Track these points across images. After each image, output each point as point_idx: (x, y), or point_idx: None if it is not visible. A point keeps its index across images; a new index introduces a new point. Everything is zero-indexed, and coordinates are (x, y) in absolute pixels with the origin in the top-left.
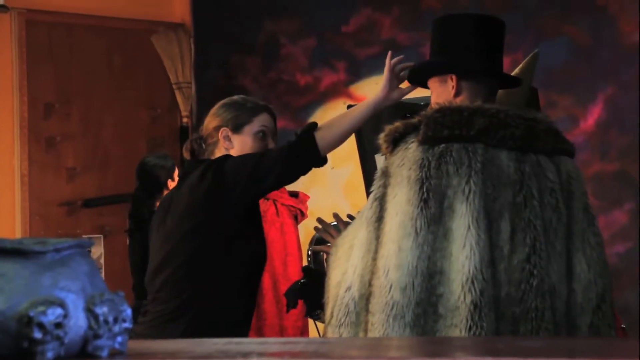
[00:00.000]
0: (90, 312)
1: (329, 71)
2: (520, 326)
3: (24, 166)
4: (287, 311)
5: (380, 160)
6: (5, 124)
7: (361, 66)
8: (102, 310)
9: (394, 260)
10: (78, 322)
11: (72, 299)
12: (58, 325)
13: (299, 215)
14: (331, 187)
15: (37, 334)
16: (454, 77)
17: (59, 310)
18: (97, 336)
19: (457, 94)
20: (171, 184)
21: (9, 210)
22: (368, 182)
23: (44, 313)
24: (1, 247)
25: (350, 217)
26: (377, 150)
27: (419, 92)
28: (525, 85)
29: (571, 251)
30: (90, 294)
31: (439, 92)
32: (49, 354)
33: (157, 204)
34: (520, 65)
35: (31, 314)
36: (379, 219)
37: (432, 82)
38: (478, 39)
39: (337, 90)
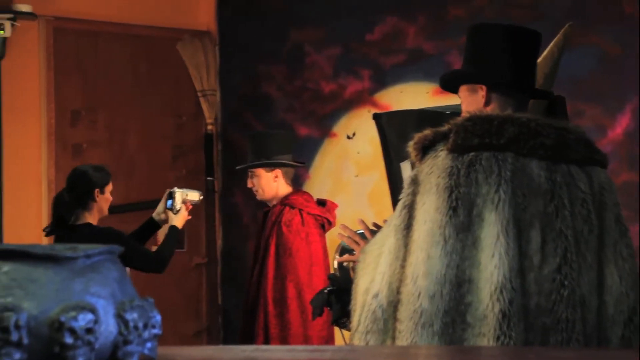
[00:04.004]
0: (120, 317)
1: (354, 79)
2: (551, 337)
3: (51, 173)
4: (313, 319)
5: (405, 168)
6: (32, 131)
7: (386, 74)
8: (132, 316)
9: (422, 268)
10: (108, 328)
11: (102, 304)
12: (89, 330)
13: (325, 224)
14: (356, 195)
15: (69, 339)
16: (484, 87)
17: (90, 316)
18: (127, 342)
19: (486, 104)
20: (98, 195)
21: (36, 217)
22: (393, 190)
23: (75, 318)
24: (33, 253)
25: (377, 225)
26: (402, 158)
27: (448, 100)
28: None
29: (603, 262)
30: (120, 299)
31: (469, 101)
32: (80, 359)
33: (85, 213)
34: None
35: (62, 319)
36: (408, 226)
37: (463, 91)
38: (511, 51)
39: (362, 99)
